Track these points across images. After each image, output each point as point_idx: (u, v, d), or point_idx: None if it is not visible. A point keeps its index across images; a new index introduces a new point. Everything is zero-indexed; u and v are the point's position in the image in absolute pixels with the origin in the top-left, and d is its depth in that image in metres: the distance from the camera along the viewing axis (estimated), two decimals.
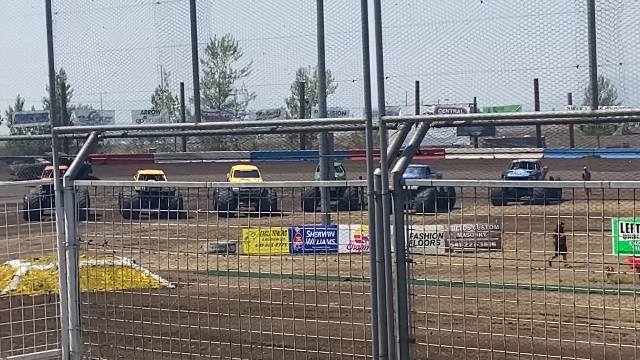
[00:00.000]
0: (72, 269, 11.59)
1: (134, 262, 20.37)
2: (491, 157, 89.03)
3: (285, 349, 11.87)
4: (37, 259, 20.77)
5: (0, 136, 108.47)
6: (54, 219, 11.69)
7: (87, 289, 12.19)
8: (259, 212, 31.11)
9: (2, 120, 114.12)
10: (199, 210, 13.67)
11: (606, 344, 10.75)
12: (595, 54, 8.82)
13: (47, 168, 51.28)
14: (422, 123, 10.05)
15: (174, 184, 32.63)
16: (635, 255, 24.21)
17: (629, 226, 27.32)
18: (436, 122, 10.85)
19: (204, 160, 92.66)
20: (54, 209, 11.75)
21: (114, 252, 15.76)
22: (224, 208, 31.34)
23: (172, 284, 23.51)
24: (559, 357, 10.00)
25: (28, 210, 15.70)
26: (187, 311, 12.96)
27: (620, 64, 9.26)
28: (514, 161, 62.25)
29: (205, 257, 15.24)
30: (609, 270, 12.76)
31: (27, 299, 13.20)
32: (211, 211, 17.75)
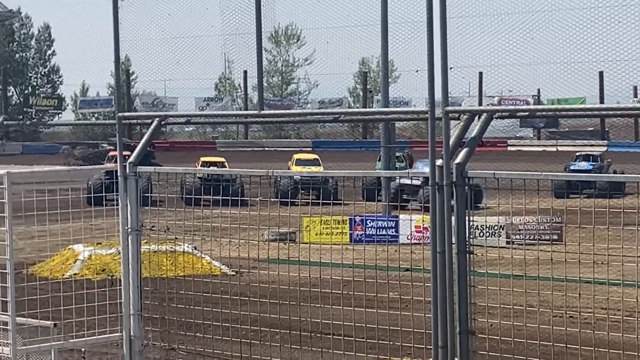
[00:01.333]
0: (134, 255, 11.68)
1: (195, 248, 20.47)
2: (554, 149, 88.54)
3: (345, 338, 11.86)
4: (100, 243, 20.87)
5: (65, 121, 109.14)
6: (117, 205, 11.77)
7: (148, 274, 12.27)
8: (320, 201, 31.16)
9: (67, 105, 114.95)
10: (260, 198, 13.70)
11: None
12: None
13: (111, 154, 51.60)
14: (485, 114, 10.02)
15: (236, 171, 32.72)
16: None
17: None
18: (500, 113, 10.82)
19: (266, 148, 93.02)
20: (117, 195, 11.84)
21: (176, 238, 15.84)
22: (285, 196, 31.39)
23: (232, 271, 23.55)
24: (620, 352, 9.93)
25: (92, 195, 15.73)
26: (247, 298, 12.98)
27: None
28: (577, 154, 61.78)
29: (266, 244, 15.31)
30: None
31: (90, 283, 13.31)
32: (272, 199, 17.80)
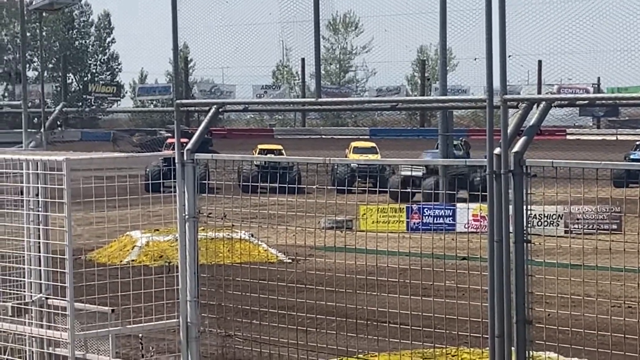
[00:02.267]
0: (191, 241, 11.73)
1: (252, 235, 20.53)
2: (614, 138, 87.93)
3: (401, 326, 11.88)
4: (158, 230, 21.03)
5: (123, 108, 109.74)
6: (175, 192, 11.83)
7: (205, 261, 12.31)
8: (377, 189, 31.13)
9: (126, 93, 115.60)
10: (317, 185, 13.72)
11: None
12: None
13: (169, 141, 51.78)
14: (544, 103, 10.00)
15: (293, 159, 32.83)
16: None
17: None
18: (559, 102, 10.79)
19: (323, 136, 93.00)
20: (175, 182, 11.89)
21: (233, 225, 15.90)
22: (342, 184, 31.41)
23: (289, 258, 23.64)
24: None
25: (149, 182, 15.81)
26: (303, 286, 13.02)
27: None
28: (637, 143, 61.35)
29: (322, 232, 15.33)
30: None
31: (147, 269, 13.37)
32: (329, 187, 17.86)
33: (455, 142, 44.64)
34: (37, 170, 11.84)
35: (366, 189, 26.90)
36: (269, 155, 43.29)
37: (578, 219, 25.01)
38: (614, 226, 23.57)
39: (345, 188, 28.62)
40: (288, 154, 49.71)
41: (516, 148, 9.64)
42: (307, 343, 12.46)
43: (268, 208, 14.89)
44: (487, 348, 10.04)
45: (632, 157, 52.18)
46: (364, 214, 26.40)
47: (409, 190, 32.39)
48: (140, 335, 12.03)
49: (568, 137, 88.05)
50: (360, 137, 78.65)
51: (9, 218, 12.18)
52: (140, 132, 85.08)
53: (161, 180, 13.90)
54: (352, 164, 41.14)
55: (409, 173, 34.97)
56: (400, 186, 34.83)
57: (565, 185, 10.78)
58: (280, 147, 60.66)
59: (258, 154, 49.90)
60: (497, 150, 9.65)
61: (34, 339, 12.04)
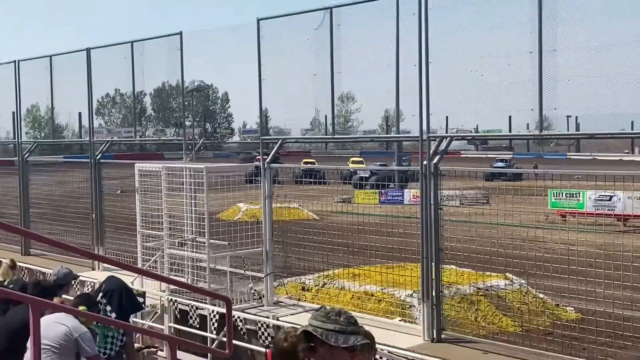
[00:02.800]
0: (269, 208, 11.74)
1: (299, 205, 20.46)
2: (485, 156, 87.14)
3: (374, 251, 11.81)
4: (252, 202, 20.97)
5: (235, 141, 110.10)
6: (260, 183, 11.83)
7: (275, 218, 12.31)
8: (356, 183, 30.90)
9: (235, 133, 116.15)
10: (333, 180, 13.68)
11: None
12: None
13: (257, 157, 51.86)
14: (449, 137, 9.94)
15: (321, 167, 32.87)
16: None
17: None
18: (456, 137, 10.74)
19: (336, 155, 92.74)
20: (261, 178, 11.89)
21: (289, 200, 15.95)
22: (345, 179, 31.27)
23: (318, 217, 23.57)
24: None
25: (247, 178, 15.86)
26: (325, 231, 12.92)
27: None
28: (497, 158, 60.94)
29: (336, 204, 15.23)
30: None
31: (246, 223, 13.38)
32: (339, 181, 17.76)
33: (404, 158, 44.38)
34: (190, 172, 11.90)
35: (358, 183, 26.88)
36: (308, 165, 43.07)
37: (466, 197, 24.82)
38: (485, 201, 23.42)
39: (347, 182, 28.64)
40: (318, 164, 49.47)
41: (434, 161, 9.61)
42: (327, 260, 12.47)
43: (308, 191, 14.92)
44: (419, 263, 9.99)
45: (494, 165, 51.66)
46: (357, 195, 26.39)
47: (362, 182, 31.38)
48: (242, 256, 12.05)
49: (462, 155, 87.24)
50: (355, 155, 78.25)
51: (178, 197, 12.25)
52: (243, 153, 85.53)
53: (254, 178, 13.92)
54: (350, 169, 41.01)
55: (363, 174, 34.09)
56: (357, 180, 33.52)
57: (460, 179, 10.72)
58: (314, 160, 60.79)
59: (303, 164, 49.94)
60: (425, 162, 9.62)
61: (189, 259, 12.10)
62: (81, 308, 6.29)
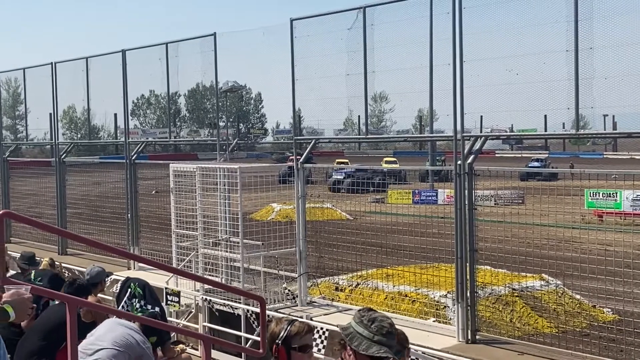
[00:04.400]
0: (302, 208, 11.75)
1: (332, 205, 20.45)
2: (520, 155, 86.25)
3: (407, 251, 11.76)
4: (285, 203, 21.05)
5: (268, 142, 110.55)
6: (294, 183, 11.85)
7: (309, 218, 12.31)
8: (396, 182, 30.83)
9: (269, 133, 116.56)
10: (366, 179, 13.64)
11: None
12: None
13: (290, 157, 51.97)
14: (483, 137, 9.88)
15: (355, 166, 32.87)
16: None
17: None
18: (491, 137, 10.65)
19: (369, 155, 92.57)
20: (294, 178, 11.91)
21: (322, 200, 15.95)
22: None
23: (351, 217, 23.54)
24: None
25: (280, 178, 15.91)
26: (358, 231, 12.90)
27: None
28: (532, 158, 60.32)
29: (369, 203, 15.19)
30: None
31: (279, 223, 13.43)
32: (373, 181, 17.67)
33: (438, 158, 44.11)
34: (224, 172, 11.97)
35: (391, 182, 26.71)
36: (341, 165, 43.04)
37: (501, 197, 24.59)
38: (520, 201, 23.16)
39: (381, 181, 28.43)
40: (351, 164, 49.46)
41: (469, 161, 9.54)
42: (360, 260, 12.46)
43: (341, 190, 14.91)
44: (454, 264, 9.94)
45: (529, 165, 51.11)
46: (391, 195, 26.27)
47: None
48: (276, 256, 12.08)
49: (496, 154, 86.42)
50: (388, 155, 77.95)
51: (212, 197, 12.32)
52: (275, 154, 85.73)
53: (287, 178, 13.95)
54: (384, 169, 40.87)
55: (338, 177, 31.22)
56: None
57: (495, 179, 10.64)
58: (347, 160, 60.71)
59: (336, 164, 49.92)
60: (459, 162, 9.57)
61: (223, 258, 12.17)
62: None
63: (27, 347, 6.50)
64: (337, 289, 12.89)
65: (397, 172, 34.98)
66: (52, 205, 18.01)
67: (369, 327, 3.28)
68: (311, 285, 12.34)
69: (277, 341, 3.99)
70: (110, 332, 5.39)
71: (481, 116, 10.35)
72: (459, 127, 9.55)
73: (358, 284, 12.77)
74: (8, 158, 19.54)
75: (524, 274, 11.61)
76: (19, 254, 10.10)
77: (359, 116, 11.40)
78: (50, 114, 17.98)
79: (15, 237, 18.12)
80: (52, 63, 17.21)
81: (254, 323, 11.08)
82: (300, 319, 4.26)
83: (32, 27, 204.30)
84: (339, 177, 28.72)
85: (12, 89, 23.97)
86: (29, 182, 20.24)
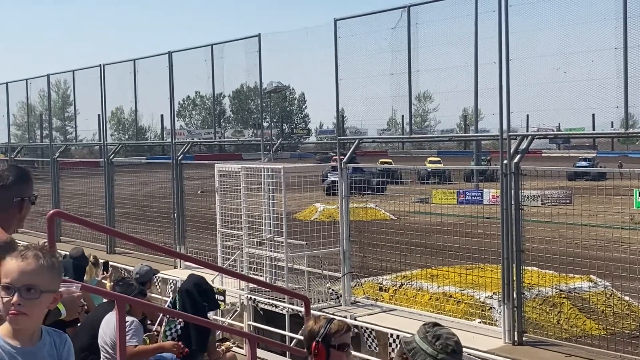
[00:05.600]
0: (346, 208, 11.75)
1: (376, 205, 20.34)
2: (567, 155, 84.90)
3: (452, 251, 11.66)
4: (329, 202, 21.01)
5: (311, 142, 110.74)
6: (338, 183, 11.83)
7: (352, 218, 12.29)
8: (441, 182, 30.63)
9: (312, 133, 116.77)
10: (410, 180, 13.56)
11: None
12: None
13: (334, 157, 51.95)
14: (530, 136, 9.77)
15: (398, 167, 32.66)
16: None
17: None
18: (537, 136, 10.53)
19: (413, 155, 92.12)
20: (337, 177, 11.91)
21: (366, 200, 15.91)
22: (422, 179, 30.74)
23: (395, 217, 23.39)
24: None
25: (324, 178, 15.97)
26: (402, 231, 12.83)
27: None
28: (580, 157, 59.26)
29: (413, 204, 15.11)
30: None
31: (323, 223, 13.44)
32: (416, 180, 17.59)
33: (483, 157, 43.64)
34: (269, 172, 12.03)
35: (436, 182, 26.46)
36: (384, 165, 42.95)
37: (548, 197, 24.23)
38: (568, 201, 22.79)
39: (425, 181, 28.26)
40: (395, 164, 49.25)
41: (515, 160, 9.44)
42: (404, 261, 12.38)
43: (385, 190, 14.86)
44: (500, 265, 9.84)
45: (577, 165, 50.27)
46: (435, 195, 26.02)
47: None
48: (320, 255, 12.10)
49: (543, 154, 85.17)
50: (432, 155, 77.47)
51: (256, 197, 12.39)
52: (319, 154, 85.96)
53: (330, 178, 13.93)
54: (428, 169, 40.56)
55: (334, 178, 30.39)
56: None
57: (542, 179, 10.50)
58: (390, 160, 60.49)
59: (379, 164, 49.73)
60: (505, 162, 9.47)
61: (267, 258, 12.23)
62: None
63: (77, 344, 6.63)
64: (381, 289, 12.84)
65: (441, 172, 34.69)
66: (101, 205, 18.31)
67: (433, 344, 3.14)
68: (355, 285, 12.32)
69: (317, 339, 3.99)
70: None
71: (527, 115, 10.23)
72: (505, 126, 9.45)
73: (402, 284, 12.70)
74: (58, 159, 19.93)
75: (572, 275, 11.42)
76: (69, 252, 10.28)
77: (402, 116, 11.35)
78: (99, 115, 18.29)
79: (64, 236, 18.47)
80: (100, 65, 17.50)
81: (298, 322, 11.12)
82: (338, 317, 4.25)
83: (81, 29, 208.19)
84: (334, 179, 28.47)
85: (61, 91, 24.47)
86: (78, 182, 20.60)
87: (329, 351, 3.98)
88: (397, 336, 9.56)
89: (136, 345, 6.32)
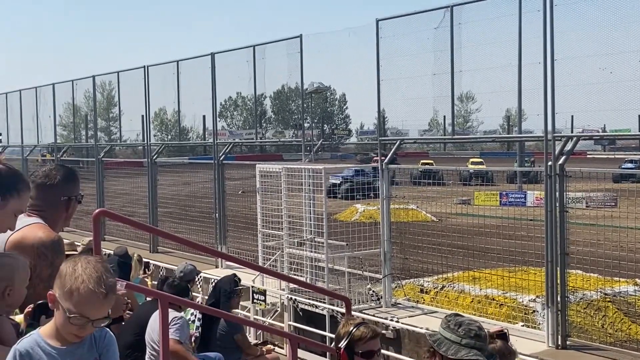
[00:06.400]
0: (387, 210, 11.72)
1: (417, 206, 20.19)
2: (612, 157, 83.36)
3: (496, 254, 11.54)
4: (369, 203, 20.95)
5: (352, 142, 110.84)
6: (379, 184, 11.81)
7: (393, 219, 12.26)
8: (484, 184, 30.28)
9: (353, 134, 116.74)
10: (452, 181, 13.45)
11: None
12: None
13: (374, 158, 51.80)
14: (575, 137, 9.63)
15: (439, 168, 32.34)
16: None
17: None
18: (582, 137, 10.37)
19: (455, 156, 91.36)
20: (379, 178, 11.89)
21: (407, 201, 15.81)
22: (465, 180, 30.39)
23: (437, 218, 23.17)
24: None
25: (366, 179, 15.91)
26: (444, 233, 12.72)
27: None
28: (626, 159, 58.08)
29: (455, 205, 14.99)
30: None
31: (363, 224, 13.42)
32: (457, 182, 17.37)
33: (526, 159, 43.01)
34: (309, 173, 12.06)
35: (478, 183, 26.14)
36: (426, 166, 42.75)
37: (593, 200, 23.76)
38: (613, 204, 22.29)
39: (467, 183, 27.94)
40: (436, 165, 48.99)
41: (560, 161, 9.32)
42: (446, 263, 12.28)
43: (426, 193, 14.78)
44: (543, 267, 9.71)
45: (623, 166, 49.31)
46: (477, 196, 25.72)
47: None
48: (360, 257, 12.09)
49: (588, 156, 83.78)
50: (474, 156, 76.78)
51: (297, 198, 12.42)
52: (360, 154, 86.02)
53: (372, 179, 13.89)
54: (470, 170, 40.18)
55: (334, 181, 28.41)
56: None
57: (587, 181, 10.32)
58: (432, 161, 60.16)
59: (421, 165, 49.46)
60: (550, 163, 9.35)
61: (308, 258, 12.26)
62: None
63: (121, 341, 6.74)
64: (422, 291, 12.77)
65: (484, 173, 34.26)
66: (144, 205, 18.54)
67: (455, 331, 3.21)
68: (396, 287, 12.28)
69: (339, 345, 3.92)
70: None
71: (572, 116, 10.08)
72: (549, 127, 9.33)
73: (443, 287, 12.61)
74: (103, 159, 20.25)
75: (617, 278, 11.23)
76: (113, 251, 10.43)
77: (444, 116, 11.28)
78: (142, 115, 18.54)
79: (108, 234, 18.75)
80: (144, 66, 17.74)
81: (338, 323, 11.11)
82: (366, 323, 4.11)
83: (126, 31, 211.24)
84: (335, 181, 26.61)
85: (106, 92, 24.87)
86: (122, 182, 20.90)
87: (353, 359, 3.89)
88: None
89: (178, 340, 6.39)
